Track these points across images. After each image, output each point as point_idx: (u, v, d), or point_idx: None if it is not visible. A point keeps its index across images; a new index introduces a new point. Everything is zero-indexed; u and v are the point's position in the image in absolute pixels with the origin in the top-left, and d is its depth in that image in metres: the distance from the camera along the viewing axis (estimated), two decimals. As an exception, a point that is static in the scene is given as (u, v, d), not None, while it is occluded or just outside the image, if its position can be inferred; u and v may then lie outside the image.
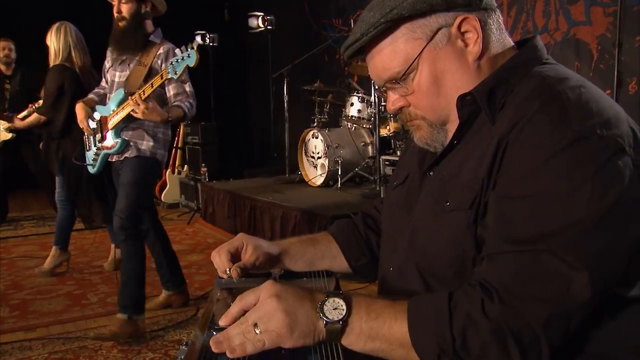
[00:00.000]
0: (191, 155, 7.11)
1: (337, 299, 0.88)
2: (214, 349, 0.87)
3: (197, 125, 6.94)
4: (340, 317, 0.86)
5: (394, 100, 1.06)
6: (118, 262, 4.15)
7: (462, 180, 0.97)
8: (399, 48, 1.00)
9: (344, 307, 0.87)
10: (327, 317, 0.86)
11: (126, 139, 3.11)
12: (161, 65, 3.04)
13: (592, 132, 0.84)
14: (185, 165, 7.24)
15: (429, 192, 1.06)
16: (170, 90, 3.10)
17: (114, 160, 3.22)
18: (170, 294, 3.52)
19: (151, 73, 3.04)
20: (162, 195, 7.14)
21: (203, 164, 6.68)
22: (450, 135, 1.04)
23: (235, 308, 0.91)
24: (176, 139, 7.44)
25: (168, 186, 7.14)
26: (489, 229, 0.90)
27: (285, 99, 6.24)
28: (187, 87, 3.12)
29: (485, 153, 0.93)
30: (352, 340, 0.88)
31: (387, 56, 1.01)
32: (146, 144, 3.12)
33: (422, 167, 1.12)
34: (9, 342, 3.04)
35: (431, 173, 1.09)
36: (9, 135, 5.12)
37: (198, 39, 7.31)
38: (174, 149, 7.35)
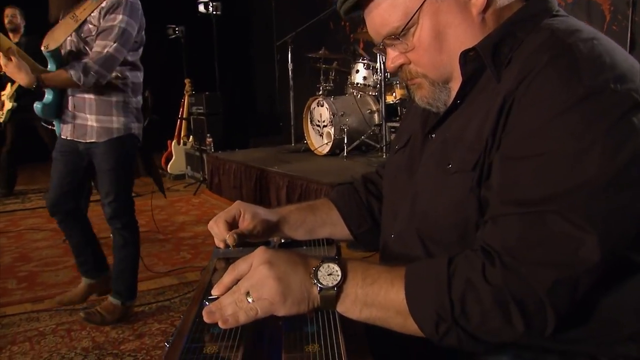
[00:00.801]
0: (196, 126, 7.05)
1: (331, 265, 0.85)
2: (206, 319, 0.84)
3: (202, 95, 6.88)
4: (335, 282, 0.83)
5: (393, 57, 1.00)
6: None
7: (465, 141, 0.91)
8: (398, 1, 0.94)
9: (339, 272, 0.84)
10: (321, 283, 0.83)
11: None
12: (99, 21, 2.60)
13: (605, 87, 0.78)
14: (191, 136, 7.20)
15: (431, 155, 1.01)
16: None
17: (72, 139, 2.82)
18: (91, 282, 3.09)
19: (82, 28, 2.65)
20: (168, 166, 7.12)
21: (208, 135, 6.64)
22: (454, 94, 0.99)
23: (227, 277, 0.88)
24: (181, 109, 7.38)
25: (174, 157, 7.12)
26: (493, 190, 0.85)
27: (290, 67, 6.15)
28: (107, 47, 2.58)
29: (490, 111, 0.87)
30: (347, 308, 0.85)
31: (386, 10, 0.95)
32: (117, 121, 2.77)
33: (424, 130, 1.07)
34: (17, 314, 3.06)
35: (433, 135, 1.04)
36: (11, 105, 5.05)
37: (201, 7, 7.20)
38: (178, 120, 7.30)
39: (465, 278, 0.80)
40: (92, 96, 2.73)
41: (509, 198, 0.82)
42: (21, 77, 2.50)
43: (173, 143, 7.17)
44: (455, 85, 0.98)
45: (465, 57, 0.93)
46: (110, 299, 2.91)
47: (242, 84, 9.49)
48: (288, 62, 6.15)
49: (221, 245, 1.17)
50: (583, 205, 0.76)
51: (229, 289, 0.87)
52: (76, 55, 2.71)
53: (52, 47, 2.64)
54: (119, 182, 2.81)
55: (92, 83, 2.59)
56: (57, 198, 2.86)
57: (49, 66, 2.73)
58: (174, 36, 7.22)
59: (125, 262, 2.91)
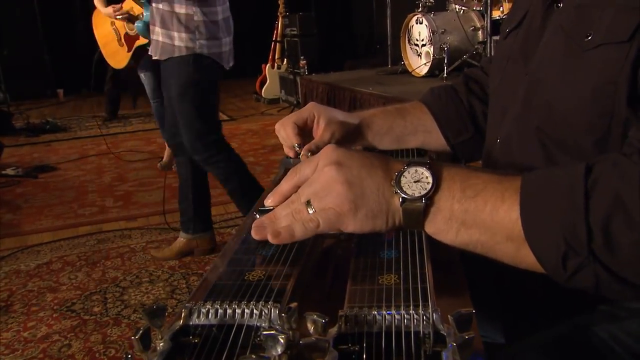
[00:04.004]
0: (290, 48, 6.86)
1: (420, 169, 0.61)
2: (254, 235, 0.65)
3: (295, 16, 6.65)
4: (424, 192, 0.60)
5: None
6: (169, 163, 4.08)
7: (615, 0, 0.64)
8: None
9: (430, 179, 0.60)
10: (405, 193, 0.60)
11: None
12: None
13: None
14: (285, 59, 7.03)
15: (558, 28, 0.74)
16: None
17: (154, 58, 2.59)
18: (190, 239, 2.81)
19: None
20: (262, 90, 7.05)
21: (302, 57, 6.43)
22: None
23: (286, 183, 0.67)
24: (275, 32, 7.20)
25: (268, 81, 7.02)
26: None
27: (388, -18, 5.74)
28: None
29: None
30: (439, 227, 0.61)
31: None
32: (178, 37, 2.44)
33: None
34: (112, 230, 3.13)
35: (560, 4, 0.77)
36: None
37: None
38: (272, 42, 7.14)
39: (612, 193, 0.54)
40: (160, 5, 2.45)
41: None
42: None
43: (267, 67, 7.04)
44: None
45: None
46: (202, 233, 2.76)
47: (338, 3, 9.09)
48: (386, -23, 5.73)
49: (290, 153, 0.98)
50: None
51: (286, 197, 0.67)
52: None
53: None
54: (184, 111, 2.48)
55: None
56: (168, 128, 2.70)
57: None
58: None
59: (233, 194, 2.66)
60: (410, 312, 0.50)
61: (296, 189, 0.66)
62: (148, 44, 2.76)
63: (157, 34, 2.47)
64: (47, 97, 8.58)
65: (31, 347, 2.02)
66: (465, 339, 0.44)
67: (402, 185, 0.61)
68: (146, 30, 2.72)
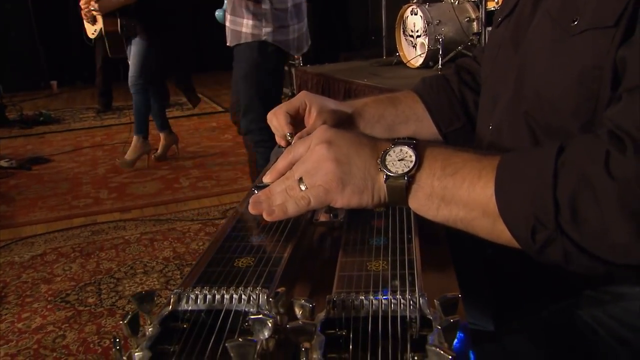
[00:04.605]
0: (285, 40, 6.83)
1: (405, 148, 0.65)
2: (251, 210, 0.69)
3: (290, 7, 6.61)
4: (407, 170, 0.63)
5: None
6: (163, 153, 4.12)
7: None
8: None
9: (413, 158, 0.64)
10: (389, 170, 0.64)
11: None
12: None
13: None
14: (280, 51, 7.00)
15: (545, 13, 0.75)
16: None
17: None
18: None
19: None
20: (258, 82, 7.02)
21: (297, 49, 6.40)
22: None
23: (282, 161, 0.72)
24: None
25: (263, 73, 6.99)
26: (634, 51, 0.59)
27: (383, -27, 5.72)
28: None
29: None
30: (421, 203, 0.65)
31: None
32: (246, 24, 2.62)
33: None
34: (106, 222, 3.12)
35: None
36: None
37: None
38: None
39: (579, 171, 0.55)
40: None
41: None
42: None
43: (262, 58, 7.02)
44: None
45: None
46: None
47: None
48: (381, -32, 5.71)
49: (282, 142, 0.99)
50: None
51: (282, 174, 0.71)
52: None
53: None
54: (245, 94, 2.67)
55: None
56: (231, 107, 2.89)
57: None
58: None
59: None
60: (397, 296, 0.51)
61: (291, 166, 0.70)
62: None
63: (229, 21, 2.67)
64: (40, 88, 8.52)
65: (25, 337, 2.02)
66: (450, 322, 0.45)
67: (387, 163, 0.64)
68: (223, 19, 2.86)
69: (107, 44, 3.90)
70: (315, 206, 0.66)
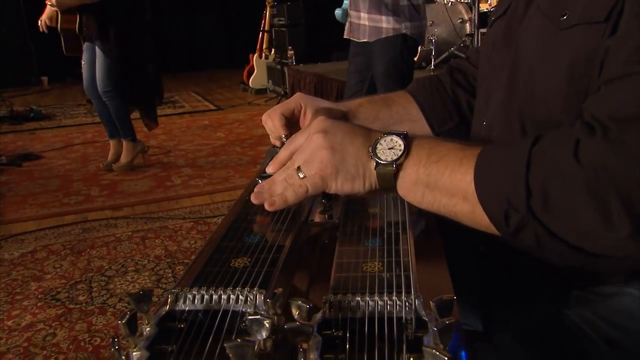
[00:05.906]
0: (278, 38, 6.83)
1: (395, 138, 0.68)
2: (254, 200, 0.72)
3: (283, 6, 6.62)
4: (395, 157, 0.66)
5: None
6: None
7: None
8: None
9: (402, 146, 0.67)
10: (379, 158, 0.67)
11: None
12: None
13: None
14: (272, 49, 6.99)
15: (536, 9, 0.76)
16: None
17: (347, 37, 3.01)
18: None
19: None
20: (250, 80, 7.01)
21: (290, 47, 6.41)
22: None
23: (283, 151, 0.75)
24: (262, 21, 7.16)
25: (255, 71, 6.98)
26: (616, 46, 0.61)
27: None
28: None
29: None
30: (407, 190, 0.67)
31: None
32: (387, 20, 2.79)
33: None
34: (97, 220, 3.11)
35: None
36: None
37: None
38: (260, 32, 7.10)
39: (550, 158, 0.57)
40: None
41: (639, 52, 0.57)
42: None
43: (255, 57, 7.01)
44: None
45: None
46: None
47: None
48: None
49: (277, 143, 0.99)
50: None
51: (284, 164, 0.74)
52: None
53: None
54: (389, 87, 2.73)
55: None
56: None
57: None
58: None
59: None
60: (393, 298, 0.52)
61: (292, 156, 0.73)
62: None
63: (364, 19, 2.84)
64: (31, 84, 8.47)
65: (15, 335, 2.01)
66: (446, 324, 0.45)
67: (377, 151, 0.67)
68: (343, 16, 3.02)
69: (62, 40, 3.85)
70: (312, 193, 0.69)
